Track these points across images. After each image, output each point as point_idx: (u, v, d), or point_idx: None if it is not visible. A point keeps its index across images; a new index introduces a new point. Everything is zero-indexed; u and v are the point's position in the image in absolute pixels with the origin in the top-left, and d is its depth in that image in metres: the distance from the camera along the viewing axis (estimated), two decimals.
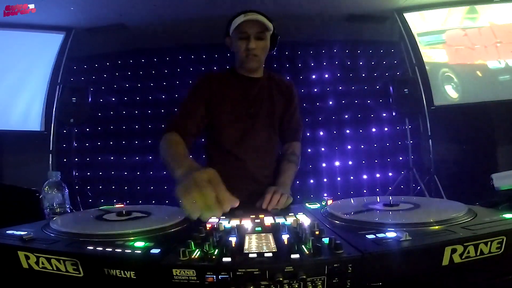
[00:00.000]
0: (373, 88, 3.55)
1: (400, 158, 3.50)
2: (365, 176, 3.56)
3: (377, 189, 3.49)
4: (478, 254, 0.49)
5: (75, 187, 3.06)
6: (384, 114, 3.55)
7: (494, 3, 3.03)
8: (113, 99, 3.67)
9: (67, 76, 3.34)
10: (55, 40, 3.20)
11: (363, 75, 3.59)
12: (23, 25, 2.99)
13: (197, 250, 0.49)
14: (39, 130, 3.20)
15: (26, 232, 0.59)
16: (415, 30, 3.19)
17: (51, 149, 3.23)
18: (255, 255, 0.46)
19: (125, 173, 3.66)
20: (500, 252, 0.50)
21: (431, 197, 2.80)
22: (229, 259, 0.45)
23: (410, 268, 0.47)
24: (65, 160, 3.46)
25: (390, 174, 3.51)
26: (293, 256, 0.44)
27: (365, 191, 3.49)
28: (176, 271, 0.44)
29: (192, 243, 0.50)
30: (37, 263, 0.52)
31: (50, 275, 0.51)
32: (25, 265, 0.53)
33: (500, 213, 0.63)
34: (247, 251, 0.49)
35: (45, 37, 3.19)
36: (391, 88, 3.10)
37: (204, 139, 1.19)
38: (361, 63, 3.60)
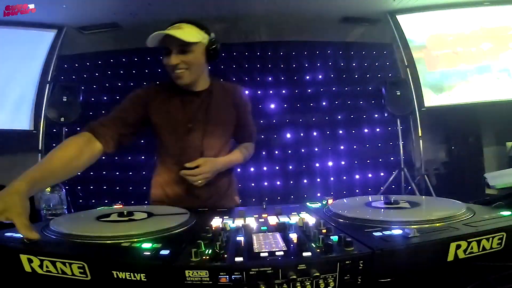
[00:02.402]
0: (365, 89, 3.61)
1: (392, 158, 3.56)
2: (357, 176, 3.61)
3: (369, 189, 3.54)
4: (480, 250, 0.51)
5: (65, 187, 2.99)
6: (376, 115, 3.60)
7: (484, 6, 3.11)
8: (105, 98, 3.60)
9: (58, 74, 3.26)
10: (45, 37, 3.12)
11: (356, 76, 3.64)
12: (12, 22, 2.90)
13: (207, 250, 0.49)
14: (28, 129, 3.12)
15: None
16: (407, 33, 3.25)
17: (40, 148, 3.15)
18: (266, 254, 0.47)
19: (117, 173, 3.61)
20: (501, 248, 0.52)
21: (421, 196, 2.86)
22: (241, 258, 0.45)
23: (418, 264, 0.48)
24: None
25: (382, 174, 3.57)
26: (304, 254, 0.45)
27: (357, 190, 3.54)
28: (189, 272, 0.43)
29: (202, 243, 0.50)
30: (41, 266, 0.50)
31: (55, 279, 0.50)
32: (27, 269, 0.51)
33: (497, 211, 0.65)
34: (258, 251, 0.49)
35: (35, 35, 3.09)
36: (383, 89, 3.15)
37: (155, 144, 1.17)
38: (354, 64, 3.64)
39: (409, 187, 3.07)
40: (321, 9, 3.11)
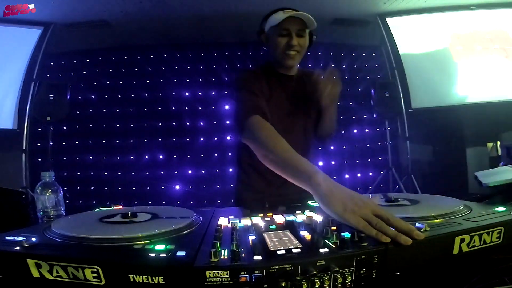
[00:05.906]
0: (355, 90, 3.69)
1: (380, 159, 3.66)
2: (347, 176, 3.68)
3: (358, 188, 3.62)
4: (481, 243, 0.54)
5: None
6: (365, 116, 3.69)
7: (471, 10, 3.24)
8: (93, 96, 3.51)
9: (44, 72, 3.16)
10: (31, 34, 3.01)
11: (346, 77, 3.72)
12: None
13: (223, 250, 0.49)
14: (11, 128, 3.00)
15: (34, 239, 0.55)
16: (399, 35, 3.34)
17: (24, 148, 3.03)
18: (283, 251, 0.47)
19: (105, 173, 3.52)
20: (499, 241, 0.56)
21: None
22: (259, 257, 0.46)
23: (427, 257, 0.50)
24: (39, 160, 3.26)
25: (371, 173, 3.66)
26: (322, 250, 0.46)
27: None
28: (209, 273, 0.43)
29: (218, 243, 0.50)
30: (50, 271, 0.48)
31: (66, 284, 0.48)
32: (36, 274, 0.49)
33: (492, 207, 0.69)
34: (273, 249, 0.50)
35: (20, 32, 2.98)
36: (372, 91, 3.23)
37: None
38: (344, 65, 3.72)
39: (397, 186, 3.17)
40: (312, 10, 3.13)
